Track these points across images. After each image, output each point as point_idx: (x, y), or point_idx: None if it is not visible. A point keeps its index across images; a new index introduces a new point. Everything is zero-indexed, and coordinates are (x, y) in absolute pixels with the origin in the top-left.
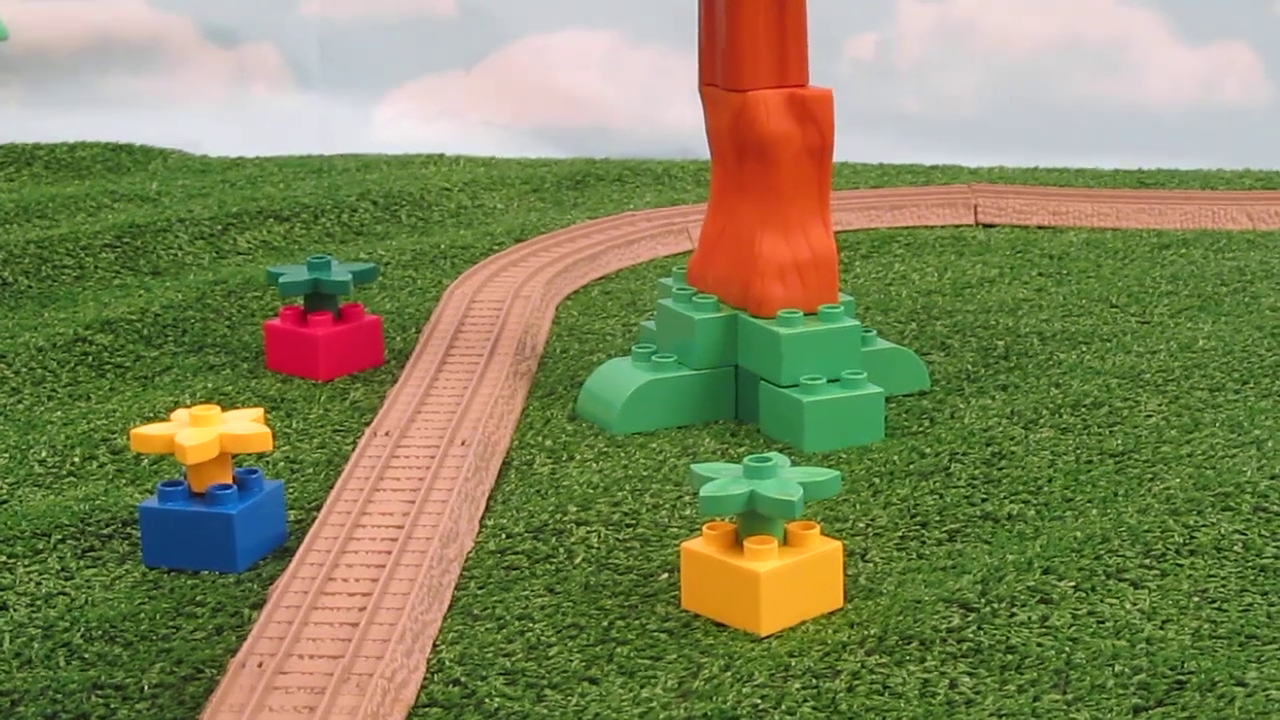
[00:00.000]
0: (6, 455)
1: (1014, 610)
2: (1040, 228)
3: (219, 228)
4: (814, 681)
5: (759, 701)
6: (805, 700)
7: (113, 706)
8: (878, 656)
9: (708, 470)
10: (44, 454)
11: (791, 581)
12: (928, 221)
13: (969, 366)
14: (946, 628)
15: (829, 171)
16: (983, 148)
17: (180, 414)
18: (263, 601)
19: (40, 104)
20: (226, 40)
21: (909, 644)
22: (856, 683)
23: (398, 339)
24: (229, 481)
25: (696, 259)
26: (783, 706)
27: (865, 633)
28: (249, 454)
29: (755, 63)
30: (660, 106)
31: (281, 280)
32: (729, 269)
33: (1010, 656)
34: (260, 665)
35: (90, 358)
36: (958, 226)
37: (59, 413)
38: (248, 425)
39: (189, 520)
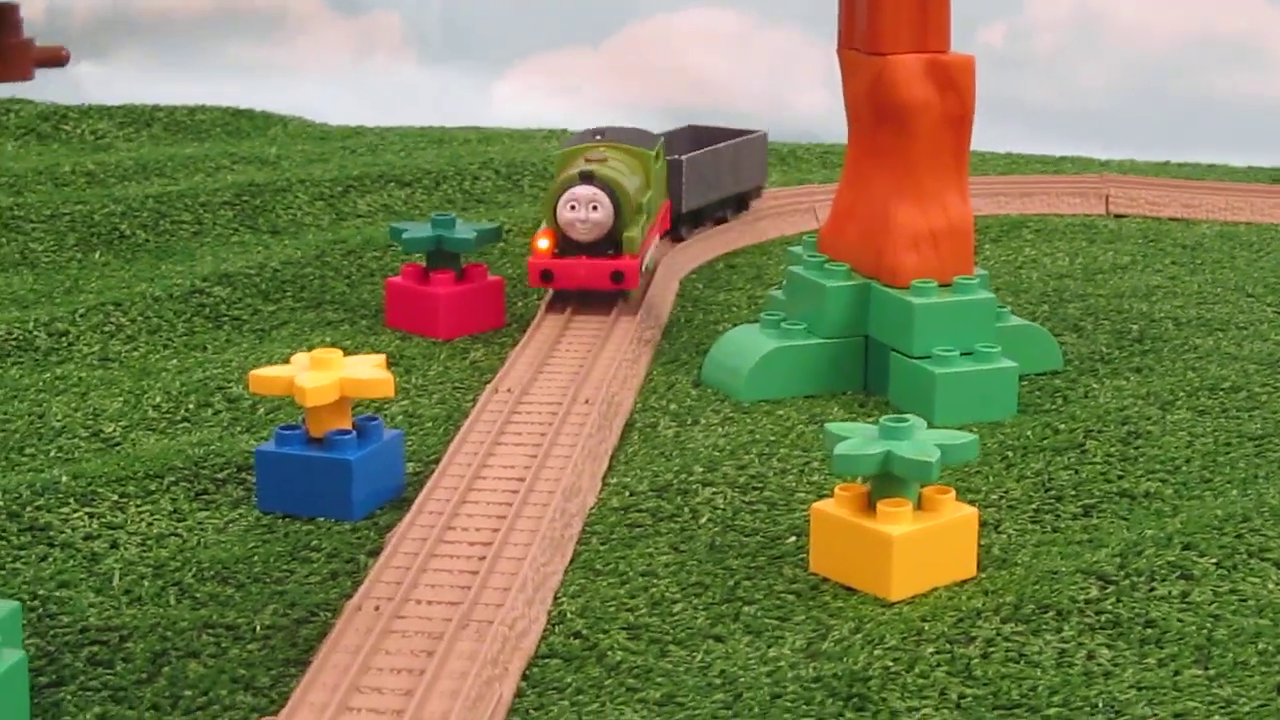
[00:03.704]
0: (120, 400)
1: (1153, 585)
2: (1172, 219)
3: (339, 189)
4: (948, 647)
5: (891, 664)
6: (939, 665)
7: (223, 645)
8: (1013, 625)
9: (842, 430)
10: (158, 399)
11: (925, 546)
12: (1058, 210)
13: (1102, 348)
14: (1084, 599)
15: (968, 140)
16: (1113, 141)
17: (300, 357)
18: (379, 549)
19: (160, 67)
20: (351, 9)
21: (1045, 613)
22: (992, 650)
23: (519, 304)
24: (348, 427)
25: (828, 227)
26: (915, 670)
27: (1000, 600)
28: (369, 400)
29: (896, 26)
30: (788, 90)
31: (404, 236)
32: (862, 237)
33: (1150, 630)
34: (377, 609)
35: (207, 309)
36: (1088, 215)
37: (174, 361)
38: (369, 370)
39: (306, 465)
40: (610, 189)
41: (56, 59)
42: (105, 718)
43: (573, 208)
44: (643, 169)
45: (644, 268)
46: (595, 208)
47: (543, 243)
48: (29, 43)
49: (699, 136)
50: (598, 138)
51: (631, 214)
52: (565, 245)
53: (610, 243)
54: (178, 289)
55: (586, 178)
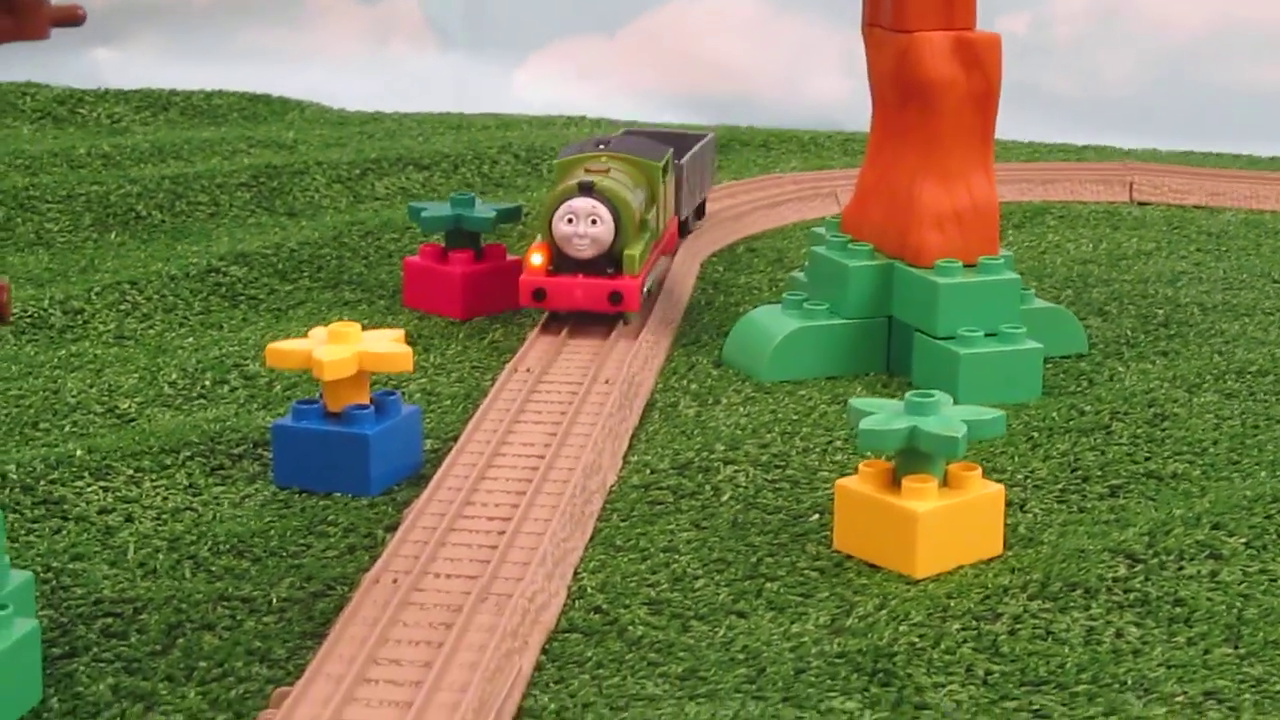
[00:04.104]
0: (136, 377)
1: (1182, 564)
2: (1197, 207)
3: (356, 172)
4: (974, 623)
5: (916, 640)
6: (965, 641)
7: (239, 618)
8: (1040, 602)
9: (867, 405)
10: (174, 376)
11: (950, 523)
12: (1081, 197)
13: (1128, 332)
14: (1112, 577)
15: (993, 119)
16: (1135, 130)
17: (318, 331)
18: (397, 524)
19: (177, 52)
20: None
21: (1073, 591)
22: (1019, 627)
23: None
24: (366, 402)
25: (852, 207)
26: (941, 646)
27: (1027, 578)
28: (388, 377)
29: (922, 2)
30: (806, 78)
31: (423, 215)
32: (886, 217)
33: (1179, 609)
34: (395, 582)
35: (223, 288)
36: (1112, 203)
37: (190, 339)
38: (388, 344)
39: (323, 440)
40: (611, 202)
41: (72, 18)
42: (119, 689)
43: (570, 221)
44: (648, 182)
45: (646, 290)
46: (595, 222)
47: (536, 258)
48: (44, 0)
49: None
50: (600, 147)
51: (634, 230)
52: (561, 262)
53: (610, 261)
54: (194, 268)
55: (586, 189)
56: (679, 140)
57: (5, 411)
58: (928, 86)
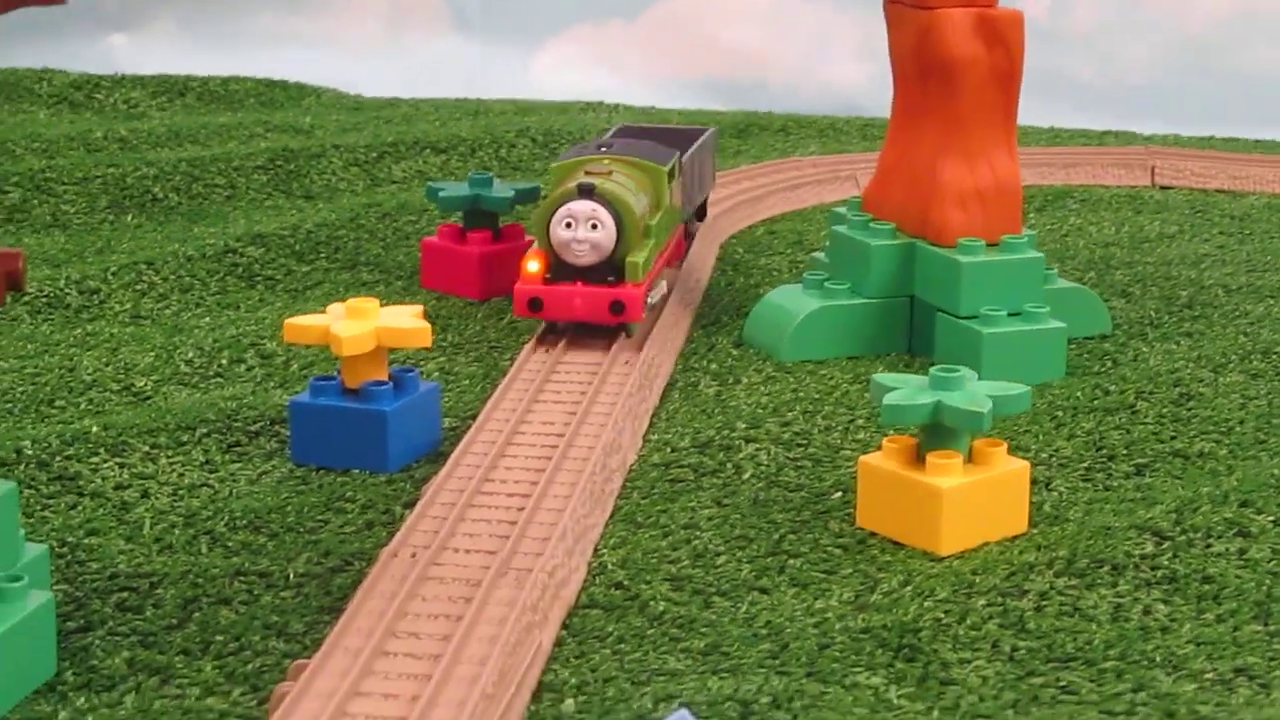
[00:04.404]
0: (152, 355)
1: (1210, 541)
2: (1219, 191)
3: (374, 156)
4: (1000, 600)
5: (941, 616)
6: (991, 617)
7: (255, 593)
8: (1067, 579)
9: (891, 380)
10: (190, 355)
11: (975, 500)
12: (1103, 181)
13: (1151, 313)
14: (1140, 554)
15: (1016, 97)
16: (1156, 116)
17: (336, 307)
18: (415, 500)
19: (193, 38)
20: None
21: (1100, 568)
22: (1045, 603)
23: None
24: (384, 378)
25: (873, 185)
26: (967, 622)
27: (1053, 555)
28: (405, 351)
29: None
30: (825, 63)
31: (441, 195)
32: (907, 195)
33: (1207, 586)
34: (413, 556)
35: (240, 269)
36: (1134, 187)
37: (206, 319)
38: (406, 320)
39: (341, 416)
40: (612, 206)
41: None
42: (134, 662)
43: (568, 225)
44: (653, 187)
45: (649, 301)
46: (595, 226)
47: (532, 265)
48: None
49: (637, 137)
50: (602, 150)
51: (637, 236)
52: (559, 269)
53: (611, 268)
54: (210, 249)
55: (586, 191)
56: (676, 136)
57: (22, 389)
58: (949, 64)
